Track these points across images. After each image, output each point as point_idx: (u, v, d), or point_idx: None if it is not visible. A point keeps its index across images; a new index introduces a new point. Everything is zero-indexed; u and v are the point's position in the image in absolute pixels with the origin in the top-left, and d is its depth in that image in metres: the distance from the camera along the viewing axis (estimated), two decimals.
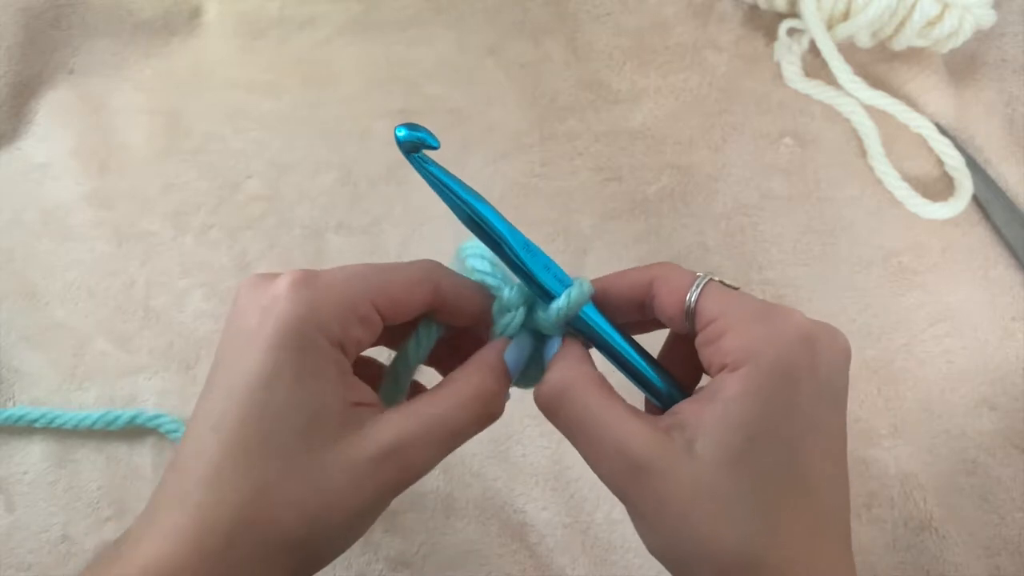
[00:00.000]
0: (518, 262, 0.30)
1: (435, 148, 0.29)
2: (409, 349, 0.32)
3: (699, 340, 0.29)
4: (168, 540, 0.26)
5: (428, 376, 0.34)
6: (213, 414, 0.27)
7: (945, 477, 0.48)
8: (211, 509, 0.26)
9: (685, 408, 0.28)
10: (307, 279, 0.28)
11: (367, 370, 0.32)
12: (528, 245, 0.31)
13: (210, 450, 0.27)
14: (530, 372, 0.33)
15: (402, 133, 0.29)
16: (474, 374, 0.30)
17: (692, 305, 0.30)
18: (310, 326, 0.27)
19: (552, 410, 0.30)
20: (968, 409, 0.50)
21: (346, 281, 0.29)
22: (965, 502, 0.47)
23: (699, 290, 0.30)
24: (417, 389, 0.35)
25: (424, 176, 0.30)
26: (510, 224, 0.31)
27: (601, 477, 0.29)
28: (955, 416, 0.50)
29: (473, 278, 0.32)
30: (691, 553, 0.27)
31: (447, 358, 0.34)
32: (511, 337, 0.32)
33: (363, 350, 0.30)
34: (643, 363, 0.31)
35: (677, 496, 0.26)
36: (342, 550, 0.29)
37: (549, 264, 0.31)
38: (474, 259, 0.32)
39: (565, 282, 0.31)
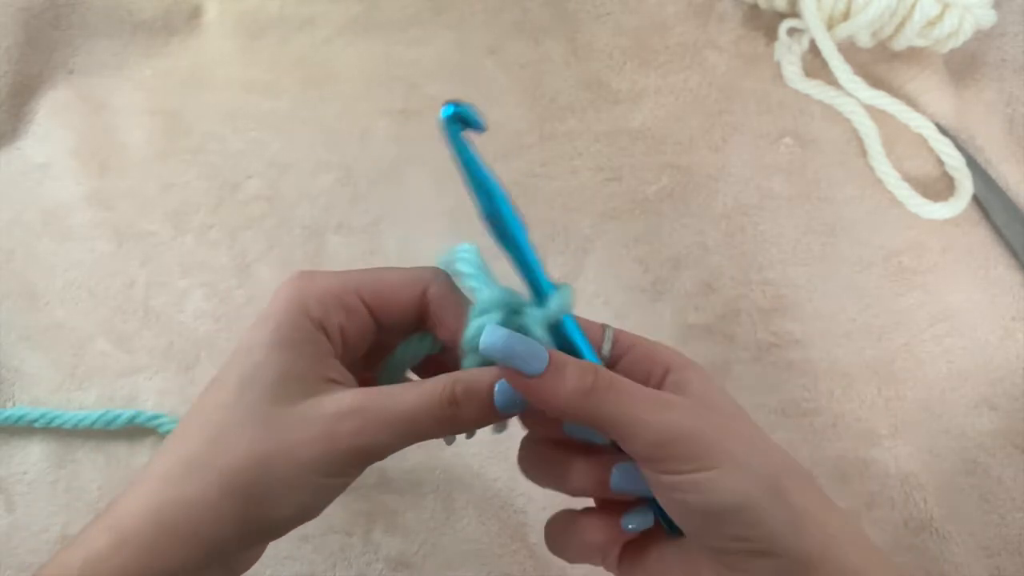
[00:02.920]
0: (522, 259, 0.30)
1: (481, 130, 0.29)
2: (398, 350, 0.33)
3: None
4: (139, 482, 0.29)
5: None
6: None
7: (945, 477, 0.48)
8: (177, 452, 0.29)
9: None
10: (306, 273, 0.32)
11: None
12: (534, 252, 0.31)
13: (193, 409, 0.30)
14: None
15: (450, 109, 0.29)
16: (453, 380, 0.30)
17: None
18: (295, 306, 0.30)
19: (600, 397, 0.29)
20: (968, 409, 0.50)
21: (336, 275, 0.32)
22: (965, 502, 0.47)
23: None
24: None
25: (458, 154, 0.30)
26: (521, 222, 0.31)
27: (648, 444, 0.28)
28: (955, 416, 0.49)
29: (460, 282, 0.32)
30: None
31: None
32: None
33: (351, 339, 0.32)
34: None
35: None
36: (292, 513, 0.29)
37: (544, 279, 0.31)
38: (462, 263, 0.32)
39: (549, 288, 0.31)
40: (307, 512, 0.30)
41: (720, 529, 0.28)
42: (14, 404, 0.49)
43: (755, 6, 0.61)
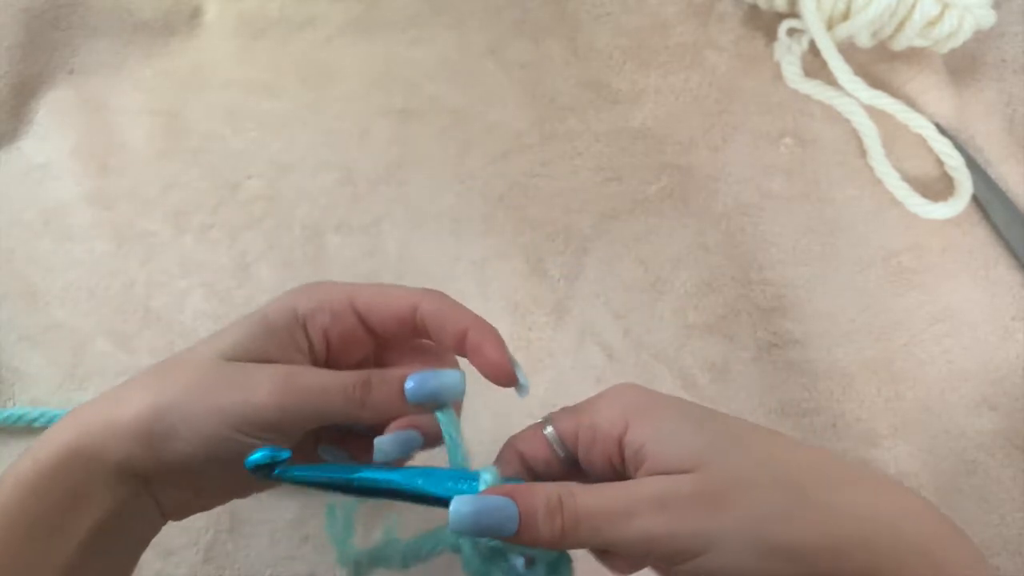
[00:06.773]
0: (425, 497, 0.30)
1: (287, 458, 0.30)
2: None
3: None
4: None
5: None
6: None
7: (945, 477, 0.48)
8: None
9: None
10: (310, 283, 0.34)
11: None
12: (424, 472, 0.30)
13: None
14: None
15: (253, 458, 0.29)
16: (372, 371, 0.32)
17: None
18: (284, 302, 0.33)
19: (573, 535, 0.28)
20: (968, 409, 0.50)
21: (333, 284, 0.34)
22: (965, 502, 0.47)
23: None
24: None
25: (294, 484, 0.30)
26: (397, 470, 0.31)
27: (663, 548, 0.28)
28: (955, 416, 0.49)
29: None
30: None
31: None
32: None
33: (336, 342, 0.33)
34: None
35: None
36: (193, 451, 0.30)
37: (453, 475, 0.30)
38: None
39: (472, 478, 0.30)
40: (207, 457, 0.30)
41: None
42: (14, 404, 0.49)
43: (755, 6, 0.61)
